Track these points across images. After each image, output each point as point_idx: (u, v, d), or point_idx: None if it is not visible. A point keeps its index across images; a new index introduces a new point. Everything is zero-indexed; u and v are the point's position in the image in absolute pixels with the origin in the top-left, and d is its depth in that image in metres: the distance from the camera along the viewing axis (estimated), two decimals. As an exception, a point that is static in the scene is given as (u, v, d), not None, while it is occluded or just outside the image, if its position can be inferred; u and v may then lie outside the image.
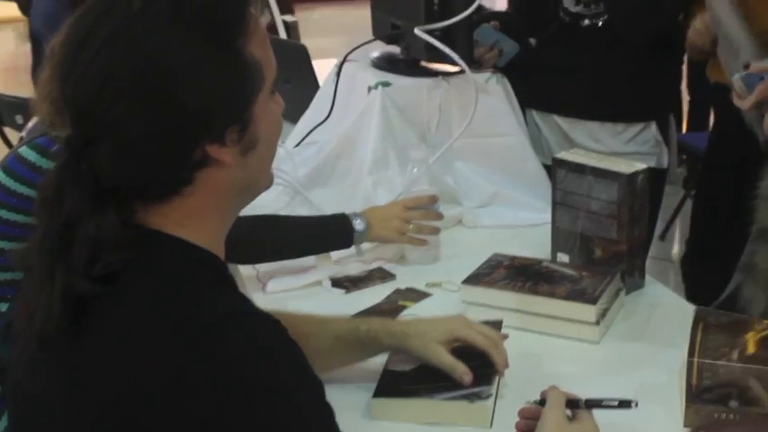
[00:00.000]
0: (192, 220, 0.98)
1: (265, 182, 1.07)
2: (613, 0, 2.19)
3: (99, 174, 0.92)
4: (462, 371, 1.32)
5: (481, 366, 1.35)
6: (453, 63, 2.04)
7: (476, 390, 1.32)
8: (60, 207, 0.92)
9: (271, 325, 0.93)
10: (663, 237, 4.32)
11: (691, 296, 2.46)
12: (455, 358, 1.34)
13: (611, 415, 1.18)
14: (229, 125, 0.96)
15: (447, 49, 1.99)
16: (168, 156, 0.94)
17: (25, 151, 1.45)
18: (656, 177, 2.29)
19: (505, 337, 1.43)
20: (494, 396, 1.34)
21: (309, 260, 1.85)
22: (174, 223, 0.97)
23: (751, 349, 1.33)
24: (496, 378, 1.36)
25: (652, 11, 2.18)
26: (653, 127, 2.31)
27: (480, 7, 2.13)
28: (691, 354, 1.31)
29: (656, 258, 4.10)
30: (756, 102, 1.63)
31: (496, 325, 1.49)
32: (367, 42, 2.31)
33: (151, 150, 0.93)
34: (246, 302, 0.96)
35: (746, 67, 1.66)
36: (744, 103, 1.66)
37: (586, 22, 2.24)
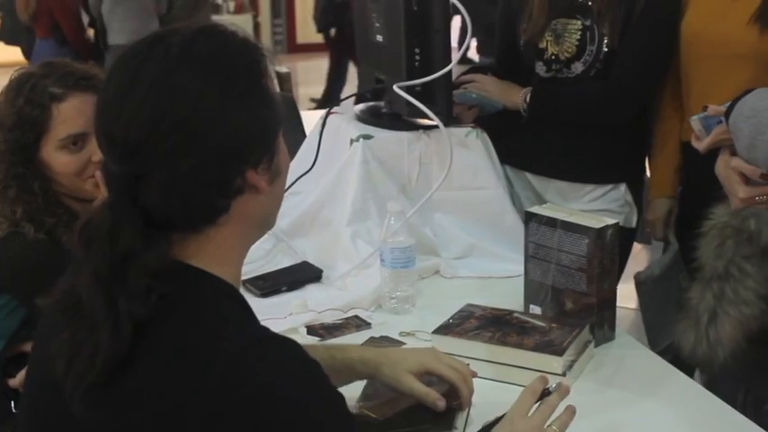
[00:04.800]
0: (220, 252, 1.07)
1: (275, 219, 1.17)
2: (593, 92, 2.26)
3: (149, 208, 1.00)
4: (435, 397, 1.38)
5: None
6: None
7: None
8: (115, 243, 0.99)
9: (293, 347, 1.03)
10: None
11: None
12: (426, 386, 1.39)
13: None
14: (265, 153, 1.07)
15: (422, 106, 2.05)
16: (214, 184, 1.03)
17: None
18: (624, 236, 2.34)
19: (474, 374, 1.48)
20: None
21: (286, 308, 1.89)
22: (206, 255, 1.06)
23: None
24: (462, 415, 1.42)
25: (636, 95, 2.25)
26: (622, 187, 2.34)
27: (469, 60, 2.19)
28: None
29: (637, 310, 4.14)
30: (713, 143, 1.68)
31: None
32: (350, 96, 2.37)
33: (200, 180, 1.02)
34: (268, 330, 1.04)
35: (705, 109, 1.71)
36: (701, 144, 1.71)
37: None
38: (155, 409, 0.98)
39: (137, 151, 1.00)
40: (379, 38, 2.25)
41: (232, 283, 1.09)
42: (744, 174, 1.58)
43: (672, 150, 2.29)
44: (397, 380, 1.39)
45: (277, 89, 1.15)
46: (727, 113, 1.59)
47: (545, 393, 1.29)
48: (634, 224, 2.38)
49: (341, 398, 1.05)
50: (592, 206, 2.31)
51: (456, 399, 1.42)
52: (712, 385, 1.71)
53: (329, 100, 7.90)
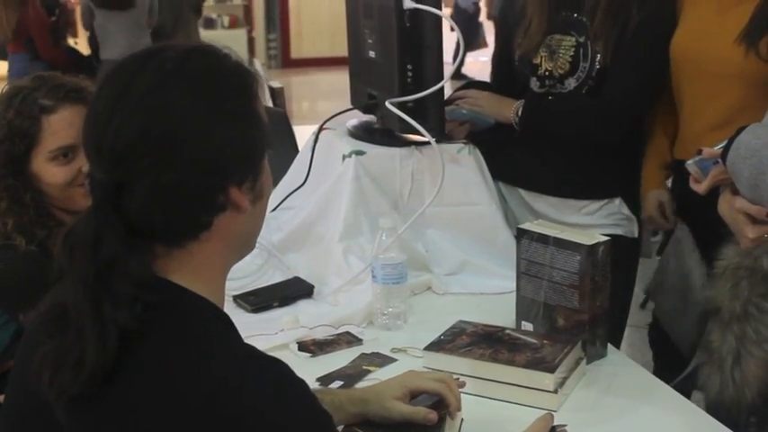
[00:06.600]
0: (203, 270, 1.07)
1: (255, 241, 1.17)
2: (589, 109, 2.26)
3: (131, 216, 1.00)
4: (425, 412, 1.40)
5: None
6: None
7: None
8: (99, 248, 0.99)
9: (280, 367, 1.02)
10: (644, 306, 4.35)
11: (657, 364, 2.49)
12: (412, 406, 1.41)
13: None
14: (249, 172, 1.07)
15: (414, 122, 2.05)
16: (197, 198, 1.04)
17: None
18: (629, 247, 2.34)
19: (461, 384, 1.49)
20: None
21: (277, 323, 1.88)
22: (189, 271, 1.06)
23: None
24: (453, 424, 1.42)
25: (630, 112, 2.26)
26: (617, 201, 2.34)
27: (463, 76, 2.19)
28: None
29: (636, 327, 4.14)
30: (712, 185, 1.68)
31: None
32: (343, 112, 2.37)
33: (182, 192, 1.02)
34: (255, 349, 1.04)
35: (699, 152, 1.71)
36: (700, 187, 1.70)
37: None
38: (138, 424, 0.97)
39: (122, 160, 1.01)
40: (372, 54, 2.25)
41: (215, 301, 1.09)
42: (750, 214, 1.58)
43: (662, 154, 2.30)
44: (385, 408, 1.42)
45: (270, 104, 1.15)
46: (724, 155, 1.59)
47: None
48: (636, 234, 2.37)
49: (328, 417, 1.06)
50: (589, 220, 2.31)
51: (444, 408, 1.44)
52: (711, 407, 1.71)
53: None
